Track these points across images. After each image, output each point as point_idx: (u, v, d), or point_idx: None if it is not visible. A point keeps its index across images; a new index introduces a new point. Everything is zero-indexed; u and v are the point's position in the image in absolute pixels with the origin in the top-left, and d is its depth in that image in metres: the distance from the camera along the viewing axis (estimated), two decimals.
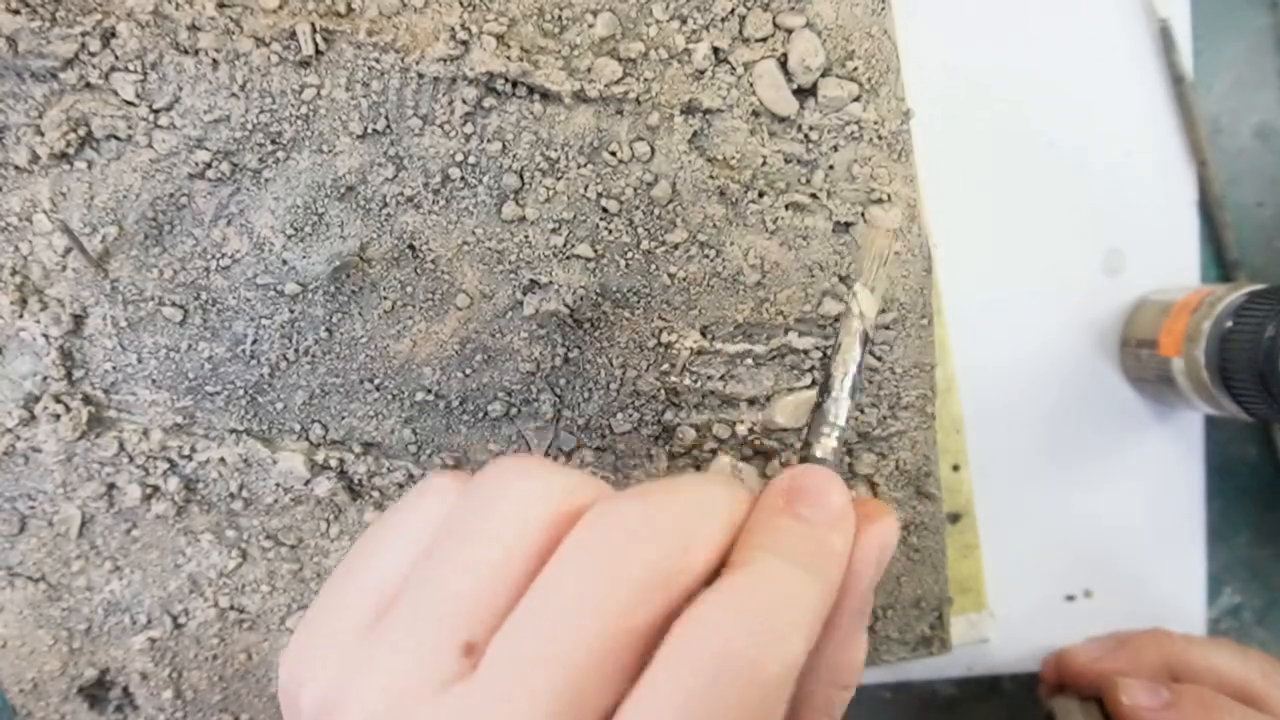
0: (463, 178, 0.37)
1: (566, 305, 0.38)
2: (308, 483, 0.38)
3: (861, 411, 0.40)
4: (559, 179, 0.37)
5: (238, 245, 0.37)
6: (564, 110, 0.37)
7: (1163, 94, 0.51)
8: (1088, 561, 0.52)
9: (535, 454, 0.40)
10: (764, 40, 0.37)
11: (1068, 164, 0.50)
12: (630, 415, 0.39)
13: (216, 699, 0.40)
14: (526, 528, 0.24)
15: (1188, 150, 0.51)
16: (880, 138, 0.39)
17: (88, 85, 0.35)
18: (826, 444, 0.31)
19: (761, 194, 0.38)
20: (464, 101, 0.36)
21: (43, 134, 0.35)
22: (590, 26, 0.37)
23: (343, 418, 0.39)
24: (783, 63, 0.37)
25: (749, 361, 0.39)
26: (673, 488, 0.26)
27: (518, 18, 0.37)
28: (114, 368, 0.37)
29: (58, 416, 0.37)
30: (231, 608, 0.40)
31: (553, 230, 0.38)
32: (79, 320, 0.37)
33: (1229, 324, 0.44)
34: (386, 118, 0.36)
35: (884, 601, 0.43)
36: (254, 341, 0.38)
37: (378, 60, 0.36)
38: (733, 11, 0.37)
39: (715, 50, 0.37)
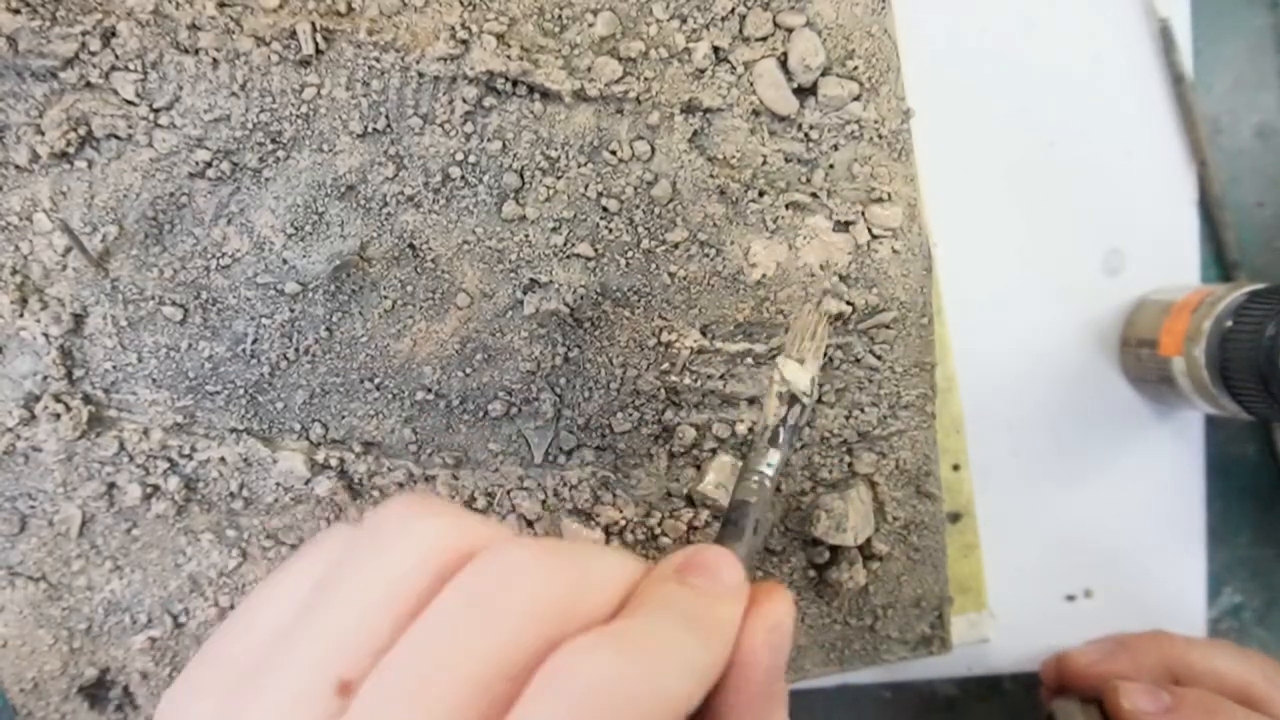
0: (463, 177, 0.37)
1: (567, 304, 0.38)
2: (308, 482, 0.38)
3: (862, 410, 0.40)
4: (559, 178, 0.37)
5: (238, 244, 0.37)
6: (564, 109, 0.37)
7: (1163, 94, 0.51)
8: (1088, 561, 0.52)
9: (534, 454, 0.40)
10: (764, 39, 0.37)
11: (1068, 164, 0.50)
12: (630, 415, 0.39)
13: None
14: (411, 566, 0.24)
15: (1188, 150, 0.51)
16: (880, 137, 0.39)
17: (88, 85, 0.35)
18: (748, 486, 0.33)
19: (762, 193, 0.38)
20: (464, 101, 0.36)
21: (43, 133, 0.35)
22: (590, 26, 0.37)
23: (343, 417, 0.39)
24: (783, 62, 0.38)
25: (749, 361, 0.39)
26: (575, 544, 0.27)
27: (518, 17, 0.37)
28: (114, 367, 0.37)
29: (58, 416, 0.37)
30: (232, 607, 0.39)
31: (553, 229, 0.38)
32: (79, 319, 0.37)
33: (1229, 324, 0.44)
34: (387, 117, 0.36)
35: (884, 601, 0.43)
36: (254, 341, 0.38)
37: (378, 59, 0.36)
38: (733, 11, 0.37)
39: (715, 49, 0.37)
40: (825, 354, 0.37)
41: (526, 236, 0.38)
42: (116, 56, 0.35)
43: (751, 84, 0.38)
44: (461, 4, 0.36)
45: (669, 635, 0.24)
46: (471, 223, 0.37)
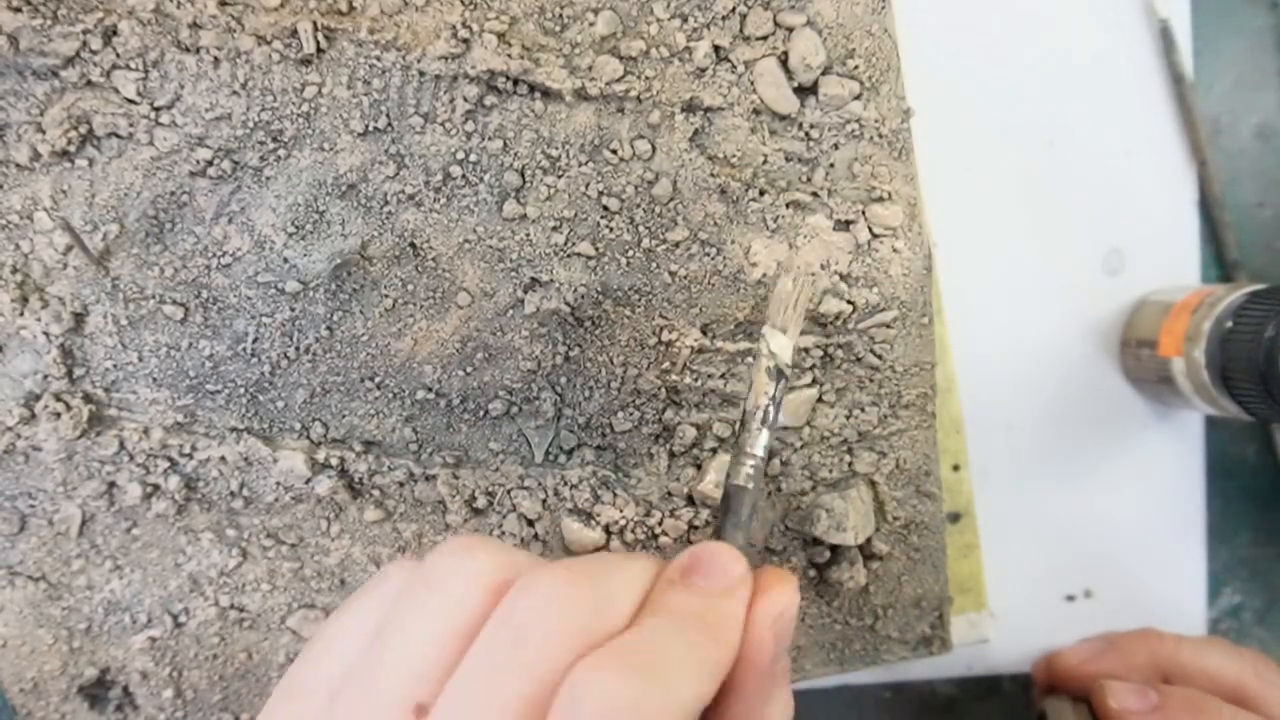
0: (464, 176, 0.37)
1: (567, 303, 0.38)
2: (308, 481, 0.38)
3: (862, 410, 0.40)
4: (560, 177, 0.37)
5: (239, 243, 0.37)
6: (565, 108, 0.37)
7: (1163, 94, 0.51)
8: (1088, 561, 0.52)
9: (535, 453, 0.40)
10: (764, 38, 0.37)
11: (1068, 164, 0.50)
12: (631, 414, 0.39)
13: (217, 698, 0.40)
14: (465, 599, 0.27)
15: (1188, 150, 0.51)
16: (881, 136, 0.39)
17: (89, 83, 0.35)
18: (743, 471, 0.33)
19: (762, 192, 0.38)
20: (465, 99, 0.36)
21: (44, 132, 0.35)
22: (591, 25, 0.37)
23: (343, 416, 0.39)
24: (783, 61, 0.38)
25: (749, 360, 0.39)
26: (594, 560, 0.29)
27: (519, 16, 0.37)
28: (115, 366, 0.37)
29: (58, 415, 0.37)
30: (232, 606, 0.39)
31: (554, 228, 0.38)
32: (80, 318, 0.37)
33: (1229, 324, 0.44)
34: (388, 116, 0.36)
35: (884, 601, 0.43)
36: (255, 340, 0.38)
37: (379, 58, 0.36)
38: (733, 10, 0.37)
39: (716, 48, 0.37)
40: (805, 318, 0.36)
41: (527, 235, 0.38)
42: (118, 55, 0.35)
43: (752, 83, 0.38)
44: (462, 3, 0.36)
45: (676, 642, 0.27)
46: (472, 221, 0.37)
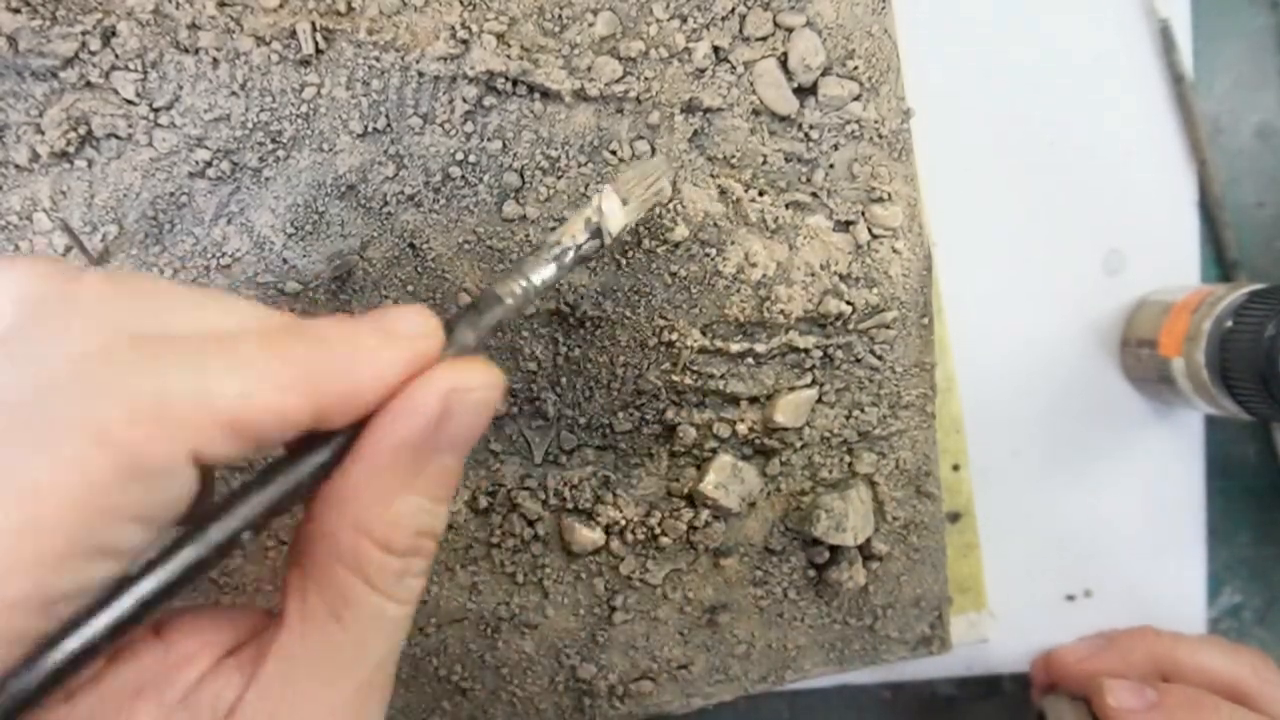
0: (463, 176, 0.37)
1: (568, 304, 0.38)
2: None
3: (862, 410, 0.40)
4: (559, 177, 0.37)
5: (238, 244, 0.37)
6: (564, 109, 0.37)
7: (1163, 94, 0.51)
8: (1088, 561, 0.52)
9: (536, 454, 0.40)
10: (764, 39, 0.37)
11: (1067, 164, 0.50)
12: (632, 414, 0.39)
13: None
14: None
15: (1188, 150, 0.51)
16: (880, 137, 0.39)
17: (88, 84, 0.35)
18: (509, 286, 0.29)
19: (762, 192, 0.38)
20: (464, 100, 0.36)
21: (43, 132, 0.35)
22: (590, 25, 0.37)
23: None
24: (783, 62, 0.38)
25: (750, 360, 0.39)
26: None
27: (518, 16, 0.37)
28: None
29: None
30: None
31: (553, 229, 0.38)
32: None
33: (1229, 324, 0.44)
34: (387, 116, 0.36)
35: (884, 601, 0.43)
36: None
37: (378, 59, 0.36)
38: (733, 10, 0.37)
39: (715, 49, 0.37)
40: (650, 210, 0.34)
41: (527, 236, 0.38)
42: (117, 56, 0.35)
43: (751, 84, 0.38)
44: (461, 4, 0.36)
45: (254, 344, 0.22)
46: (472, 222, 0.37)
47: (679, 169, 0.37)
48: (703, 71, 0.37)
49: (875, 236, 0.39)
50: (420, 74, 0.36)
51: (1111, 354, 0.52)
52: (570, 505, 0.39)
